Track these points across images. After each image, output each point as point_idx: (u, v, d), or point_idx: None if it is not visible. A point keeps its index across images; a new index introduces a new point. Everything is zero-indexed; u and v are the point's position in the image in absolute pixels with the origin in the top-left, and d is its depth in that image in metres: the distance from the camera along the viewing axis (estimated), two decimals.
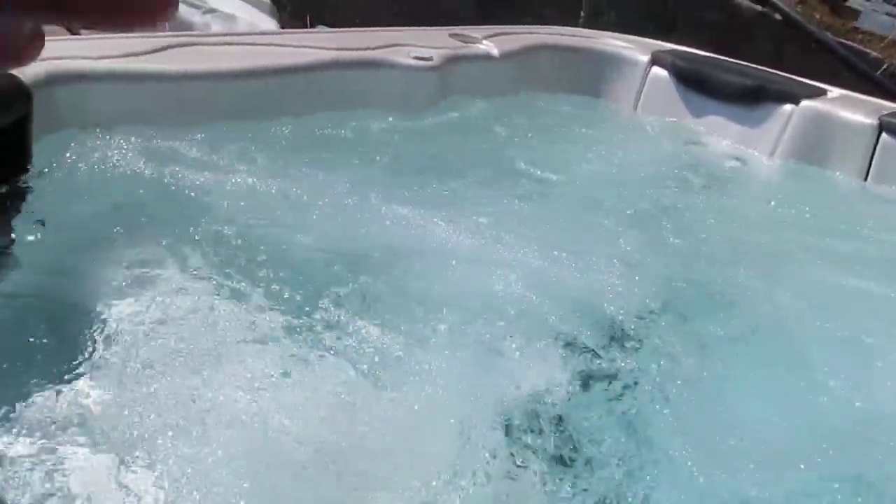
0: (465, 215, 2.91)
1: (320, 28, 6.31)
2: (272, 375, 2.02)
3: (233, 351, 2.08)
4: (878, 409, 2.31)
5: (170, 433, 1.79)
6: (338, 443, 1.86)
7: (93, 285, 2.24)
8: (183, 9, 5.97)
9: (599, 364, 2.32)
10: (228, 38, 3.38)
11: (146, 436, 1.78)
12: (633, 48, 4.09)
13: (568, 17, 5.68)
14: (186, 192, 2.65)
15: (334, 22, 6.35)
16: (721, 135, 3.87)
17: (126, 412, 1.84)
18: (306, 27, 6.48)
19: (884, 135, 3.57)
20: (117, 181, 2.58)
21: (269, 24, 6.27)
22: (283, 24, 6.32)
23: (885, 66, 5.76)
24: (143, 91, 2.80)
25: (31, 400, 1.84)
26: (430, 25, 4.02)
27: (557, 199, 3.24)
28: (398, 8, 6.48)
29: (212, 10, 6.09)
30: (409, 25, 3.96)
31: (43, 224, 2.35)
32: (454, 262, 2.63)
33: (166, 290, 2.25)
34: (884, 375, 2.43)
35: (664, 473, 1.99)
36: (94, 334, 2.07)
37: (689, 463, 2.01)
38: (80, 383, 1.93)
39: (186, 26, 5.80)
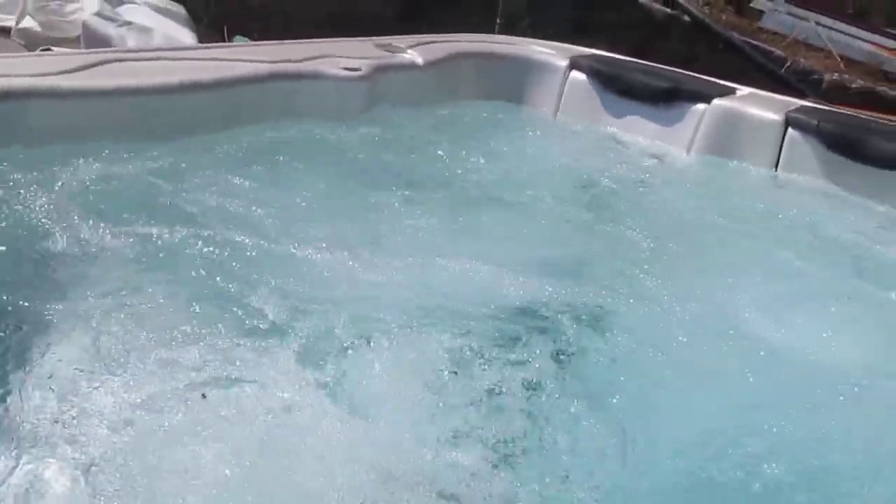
0: (393, 221, 3.00)
1: (237, 38, 6.31)
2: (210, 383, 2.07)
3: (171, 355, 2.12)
4: (798, 378, 2.45)
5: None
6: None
7: (27, 305, 2.24)
8: (98, 21, 5.92)
9: (528, 366, 2.38)
10: (159, 53, 3.40)
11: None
12: (553, 54, 4.24)
13: (485, 25, 5.81)
14: (127, 205, 2.68)
15: (252, 33, 6.37)
16: (639, 134, 4.04)
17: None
18: (224, 38, 6.46)
19: (790, 129, 3.78)
20: (61, 198, 2.59)
21: (186, 35, 6.24)
22: (201, 36, 6.30)
23: (788, 64, 6.05)
24: (83, 108, 2.82)
25: None
26: (351, 35, 4.09)
27: (483, 204, 3.33)
28: (315, 15, 6.51)
29: (128, 23, 6.04)
30: (327, 32, 4.02)
31: None
32: (393, 259, 2.71)
33: (101, 302, 2.27)
34: (803, 346, 2.59)
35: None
36: (34, 359, 2.08)
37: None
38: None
39: (102, 39, 5.75)
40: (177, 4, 6.53)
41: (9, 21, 6.05)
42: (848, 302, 2.92)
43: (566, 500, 1.95)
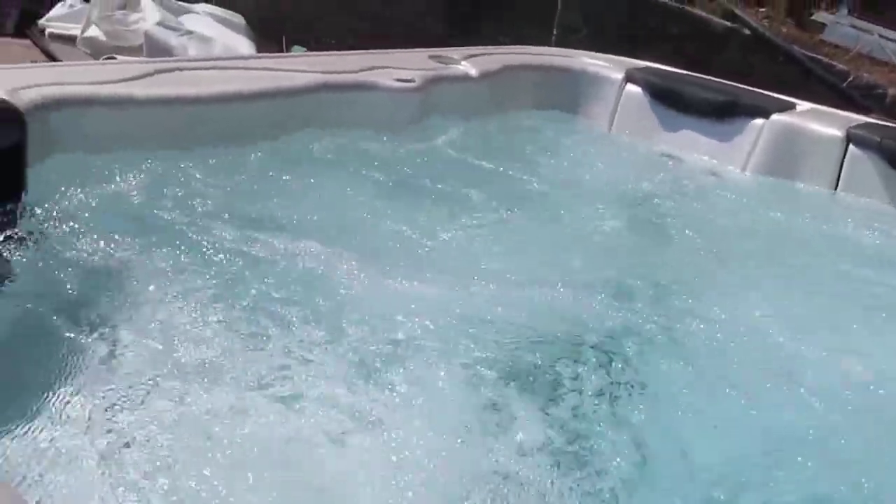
0: (440, 235, 2.99)
1: (295, 48, 6.38)
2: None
3: (227, 364, 2.13)
4: (855, 408, 2.38)
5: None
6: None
7: (88, 311, 2.27)
8: (160, 31, 6.04)
9: (575, 384, 2.35)
10: (216, 63, 3.44)
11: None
12: (608, 66, 4.20)
13: (541, 35, 5.78)
14: (182, 215, 2.71)
15: (309, 43, 6.43)
16: (694, 150, 3.98)
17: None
18: (281, 48, 6.53)
19: (851, 146, 3.69)
20: (113, 206, 2.62)
21: (245, 45, 6.34)
22: (259, 46, 6.38)
23: (850, 78, 5.91)
24: (140, 115, 2.85)
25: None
26: (403, 45, 4.10)
27: (532, 218, 3.31)
28: (370, 31, 6.54)
29: (188, 33, 6.15)
30: (382, 44, 4.04)
31: None
32: (438, 275, 2.69)
33: (160, 313, 2.29)
34: (863, 376, 2.53)
35: None
36: (86, 358, 2.10)
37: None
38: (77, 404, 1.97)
39: (164, 48, 5.87)
40: (236, 14, 6.63)
41: (74, 30, 6.19)
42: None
43: None
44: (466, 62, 3.87)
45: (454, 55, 3.92)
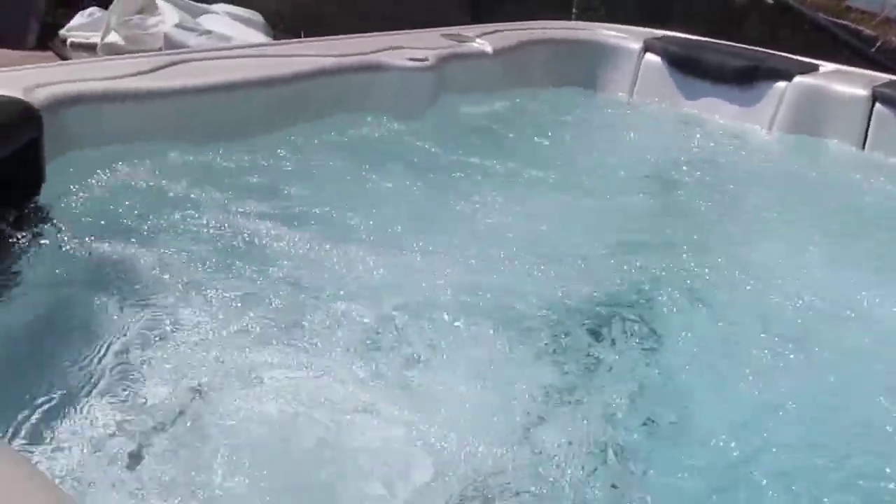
0: (466, 211, 2.96)
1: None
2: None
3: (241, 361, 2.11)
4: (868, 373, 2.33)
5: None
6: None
7: (103, 306, 2.26)
8: (179, 32, 6.07)
9: (604, 351, 2.34)
10: (227, 52, 3.44)
11: None
12: (626, 37, 4.14)
13: (559, 14, 5.73)
14: (201, 206, 2.69)
15: (328, 35, 6.41)
16: (718, 115, 3.92)
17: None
18: None
19: (878, 104, 3.61)
20: (131, 199, 2.61)
21: (264, 40, 6.34)
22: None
23: (879, 43, 5.79)
24: (157, 108, 2.85)
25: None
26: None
27: (561, 189, 3.26)
28: (392, 20, 6.51)
29: (207, 32, 6.17)
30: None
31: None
32: (465, 255, 2.66)
33: (175, 307, 2.27)
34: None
35: None
36: (99, 355, 2.08)
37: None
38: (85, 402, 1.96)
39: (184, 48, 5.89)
40: (254, 12, 6.65)
41: (95, 38, 6.24)
42: None
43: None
44: (481, 39, 3.83)
45: (469, 33, 3.88)
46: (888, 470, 1.94)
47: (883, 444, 2.06)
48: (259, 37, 6.36)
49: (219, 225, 2.60)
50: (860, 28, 6.06)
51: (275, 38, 6.48)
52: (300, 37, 6.60)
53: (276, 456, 1.82)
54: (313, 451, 1.86)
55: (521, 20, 4.30)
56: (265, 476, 1.74)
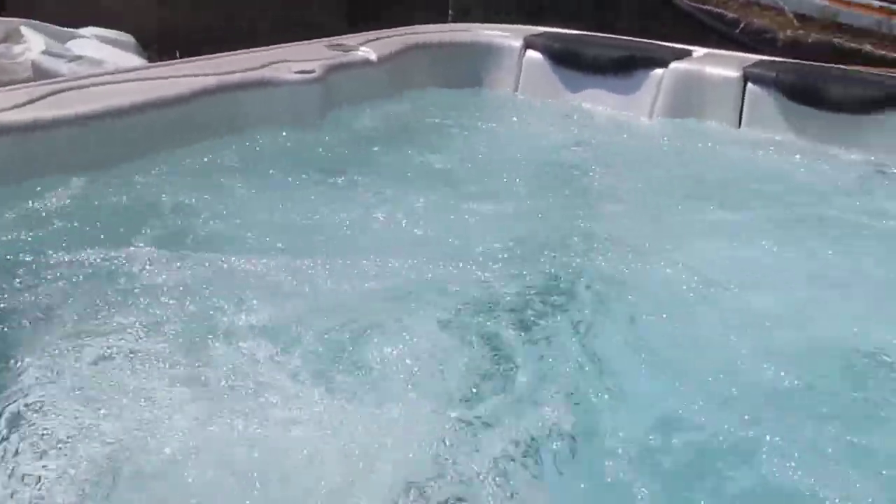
0: (370, 219, 2.97)
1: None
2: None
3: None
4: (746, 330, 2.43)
5: None
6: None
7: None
8: (47, 59, 5.86)
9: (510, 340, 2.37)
10: (106, 78, 3.35)
11: None
12: (506, 36, 4.23)
13: (435, 18, 5.78)
14: (89, 234, 2.64)
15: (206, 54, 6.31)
16: (600, 105, 4.04)
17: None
18: None
19: (749, 84, 3.79)
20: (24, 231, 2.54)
21: (138, 63, 6.19)
22: (152, 63, 6.25)
23: (742, 25, 6.06)
24: (35, 139, 2.77)
25: None
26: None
27: (452, 188, 3.30)
28: (270, 33, 6.46)
29: (77, 57, 5.98)
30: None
31: None
32: (367, 258, 2.67)
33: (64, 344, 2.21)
34: (775, 296, 2.62)
35: None
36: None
37: None
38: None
39: (54, 76, 5.68)
40: (125, 34, 6.48)
41: None
42: (820, 250, 2.93)
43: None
44: (365, 47, 3.85)
45: (351, 42, 3.89)
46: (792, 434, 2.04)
47: (789, 406, 2.17)
48: (132, 59, 6.20)
49: (116, 258, 2.54)
50: (723, 12, 6.33)
51: (149, 59, 6.33)
52: (175, 57, 6.48)
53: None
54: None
55: (397, 25, 4.34)
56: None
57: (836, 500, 1.82)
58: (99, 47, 6.20)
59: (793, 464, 1.91)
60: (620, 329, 2.42)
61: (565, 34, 4.31)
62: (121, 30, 6.48)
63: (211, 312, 2.32)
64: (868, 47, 6.32)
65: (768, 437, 1.98)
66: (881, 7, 6.70)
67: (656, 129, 3.90)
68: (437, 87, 4.07)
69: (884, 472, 1.92)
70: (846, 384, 2.25)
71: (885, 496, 1.85)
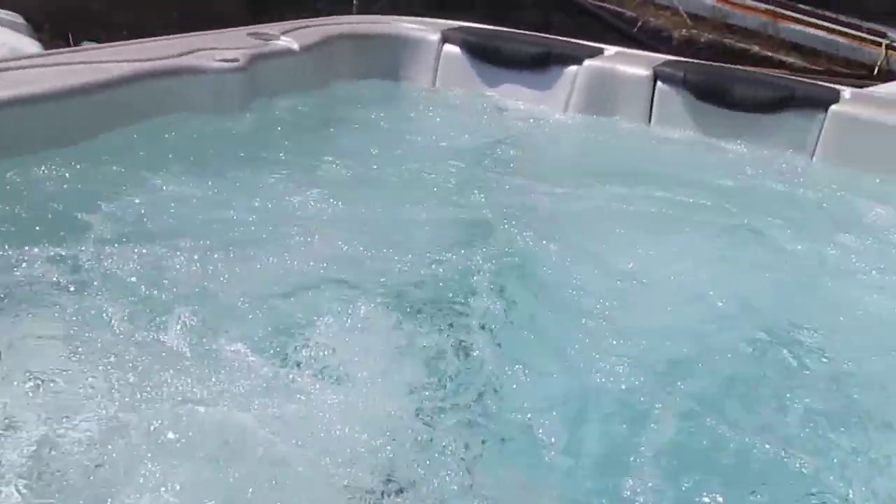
0: (291, 208, 2.99)
1: (86, 44, 6.07)
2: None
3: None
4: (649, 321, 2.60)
5: None
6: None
7: None
8: None
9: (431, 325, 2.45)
10: (24, 62, 3.25)
11: None
12: (424, 29, 4.28)
13: (340, 11, 5.78)
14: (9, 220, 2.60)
15: (99, 37, 6.13)
16: (517, 99, 4.15)
17: None
18: (70, 45, 6.20)
19: (659, 83, 3.96)
20: None
21: (31, 45, 5.96)
22: (44, 45, 6.03)
23: (639, 24, 6.28)
24: None
25: None
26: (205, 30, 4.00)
27: (374, 180, 3.36)
28: (163, 17, 6.32)
29: None
30: (182, 33, 3.91)
31: None
32: (289, 249, 2.70)
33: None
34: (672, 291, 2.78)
35: None
36: None
37: None
38: None
39: None
40: (13, 13, 6.22)
41: None
42: (721, 237, 3.13)
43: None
44: (286, 37, 3.84)
45: (272, 31, 3.88)
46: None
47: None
48: (24, 40, 5.97)
49: (24, 244, 2.48)
50: (622, 10, 6.56)
51: (40, 41, 6.10)
52: (68, 39, 6.26)
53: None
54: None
55: (302, 15, 4.33)
56: None
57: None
58: None
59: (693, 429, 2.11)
60: (529, 317, 2.54)
61: (482, 29, 4.40)
62: (8, 9, 6.23)
63: (123, 305, 2.29)
64: (756, 48, 6.68)
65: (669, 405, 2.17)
66: (767, 10, 7.08)
67: (570, 123, 4.03)
68: (357, 78, 4.09)
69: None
70: (739, 357, 2.44)
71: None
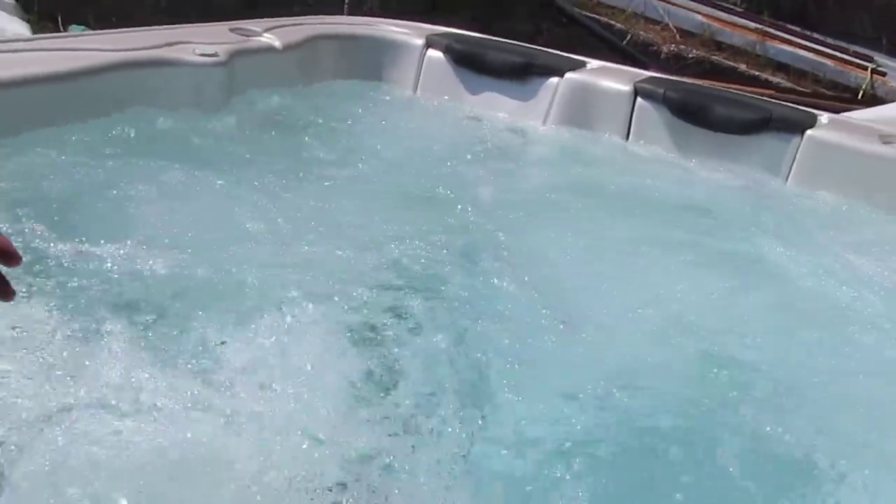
0: (264, 207, 2.98)
1: (73, 28, 6.05)
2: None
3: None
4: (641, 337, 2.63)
5: None
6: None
7: None
8: None
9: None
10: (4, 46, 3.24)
11: None
12: (408, 33, 4.28)
13: (331, 11, 5.78)
14: None
15: (88, 21, 6.12)
16: (497, 109, 4.15)
17: None
18: (58, 28, 6.18)
19: (639, 99, 3.97)
20: None
21: (20, 26, 5.94)
22: (33, 27, 6.01)
23: (629, 37, 6.30)
24: None
25: None
26: (194, 21, 4.00)
27: (349, 183, 3.36)
28: (151, 4, 6.31)
29: None
30: (171, 22, 3.92)
31: None
32: (259, 253, 2.70)
33: None
34: (648, 295, 2.83)
35: None
36: None
37: None
38: None
39: None
40: None
41: None
42: (689, 255, 3.15)
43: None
44: (269, 34, 3.84)
45: (255, 27, 3.87)
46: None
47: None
48: (13, 21, 5.95)
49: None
50: (612, 23, 6.58)
51: (29, 22, 6.08)
52: (57, 22, 6.24)
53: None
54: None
55: (291, 9, 4.32)
56: None
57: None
58: None
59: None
60: (493, 328, 2.54)
61: (467, 36, 4.40)
62: None
63: (83, 302, 2.29)
64: (743, 66, 6.72)
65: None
66: (755, 29, 7.12)
67: (549, 137, 4.04)
68: (338, 79, 4.09)
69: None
70: (693, 373, 2.48)
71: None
